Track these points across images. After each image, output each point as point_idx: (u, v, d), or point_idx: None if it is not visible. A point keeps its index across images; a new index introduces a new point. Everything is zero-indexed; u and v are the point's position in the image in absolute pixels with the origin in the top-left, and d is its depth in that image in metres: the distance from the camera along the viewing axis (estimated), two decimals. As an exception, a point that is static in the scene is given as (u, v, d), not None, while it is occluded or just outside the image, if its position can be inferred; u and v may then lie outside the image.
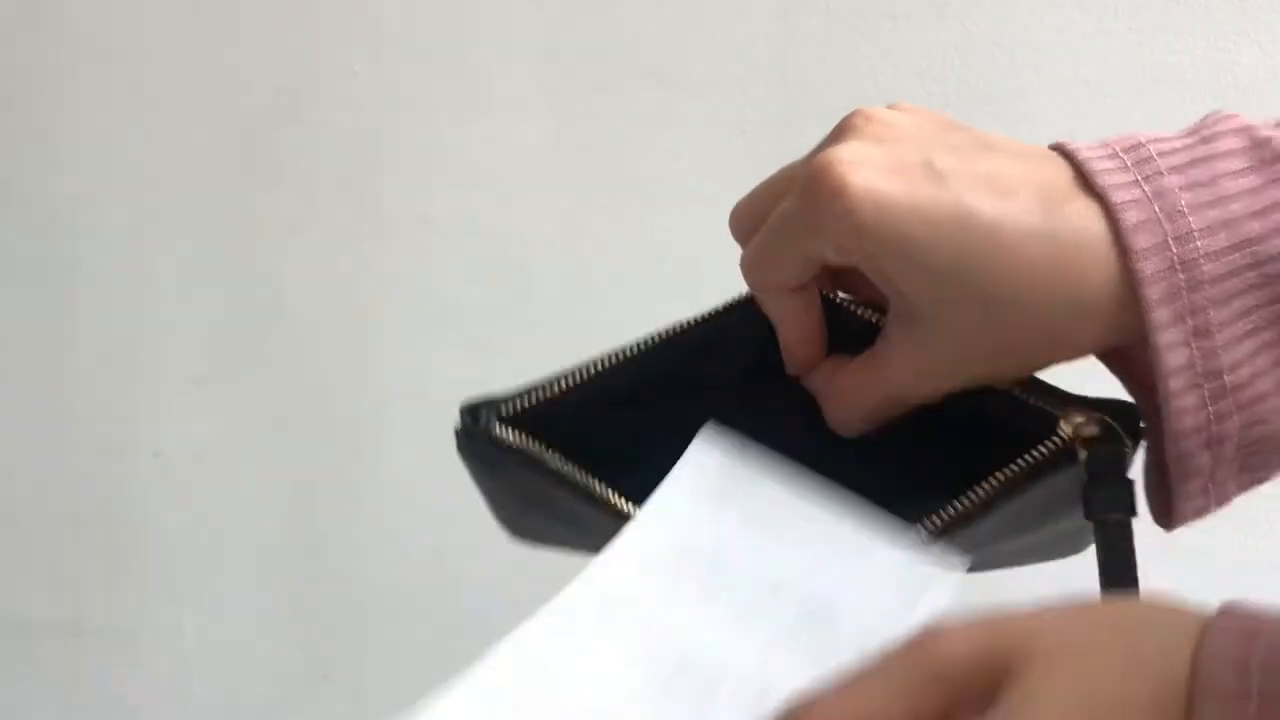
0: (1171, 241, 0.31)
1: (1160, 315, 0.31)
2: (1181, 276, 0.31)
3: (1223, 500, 0.35)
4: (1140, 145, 0.33)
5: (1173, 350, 0.31)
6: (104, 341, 1.06)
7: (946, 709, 0.27)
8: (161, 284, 1.04)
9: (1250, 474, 0.35)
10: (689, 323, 0.38)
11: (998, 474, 0.34)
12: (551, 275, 0.94)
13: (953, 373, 0.34)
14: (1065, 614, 0.27)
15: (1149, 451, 0.37)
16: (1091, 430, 0.33)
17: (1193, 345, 0.31)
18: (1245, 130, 0.33)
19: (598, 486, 0.36)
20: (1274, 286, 0.32)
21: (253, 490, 1.05)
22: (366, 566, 1.03)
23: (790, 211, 0.34)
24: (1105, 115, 0.84)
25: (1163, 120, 0.74)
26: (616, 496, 0.36)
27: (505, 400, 0.37)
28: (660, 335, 0.38)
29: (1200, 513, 0.35)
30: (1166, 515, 0.36)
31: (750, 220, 0.37)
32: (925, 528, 0.34)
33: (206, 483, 1.06)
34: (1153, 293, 0.31)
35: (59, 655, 1.14)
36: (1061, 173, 0.33)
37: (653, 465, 0.39)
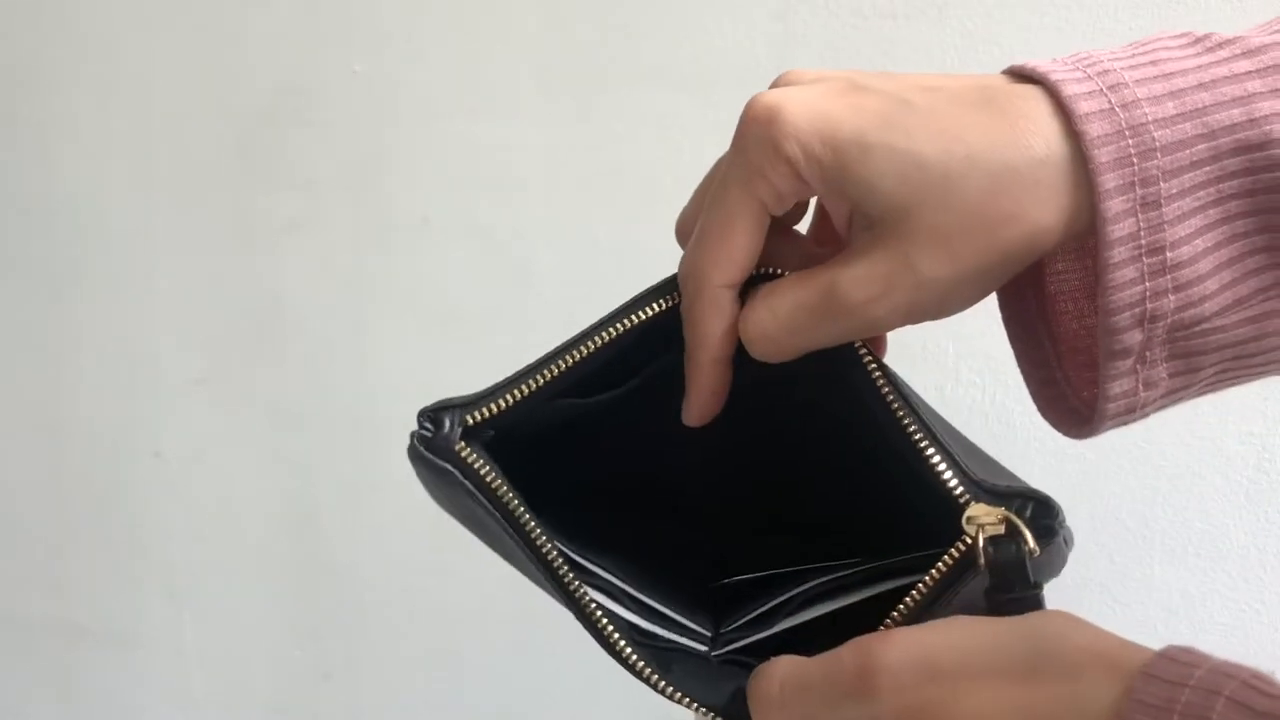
0: (1118, 109, 0.30)
1: (1108, 180, 0.30)
2: (1130, 142, 0.30)
3: (1151, 385, 0.33)
4: (1078, 53, 0.32)
5: (1119, 220, 0.30)
6: (104, 342, 1.06)
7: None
8: (161, 284, 1.04)
9: (1181, 361, 0.33)
10: (649, 310, 0.37)
11: (904, 601, 0.33)
12: (551, 275, 0.94)
13: (901, 269, 0.31)
14: (989, 677, 0.28)
15: (1057, 385, 0.37)
16: (996, 528, 0.31)
17: (1139, 216, 0.30)
18: (1184, 33, 0.32)
19: (542, 541, 0.36)
20: (1223, 162, 0.30)
21: (253, 490, 1.05)
22: (366, 566, 1.03)
23: (729, 168, 0.33)
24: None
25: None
26: (556, 556, 0.36)
27: (469, 407, 0.37)
28: (621, 323, 0.37)
29: (1127, 399, 0.33)
30: (1084, 419, 0.35)
31: (691, 215, 0.36)
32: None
33: (206, 483, 1.06)
34: (1100, 155, 0.29)
35: (59, 655, 1.14)
36: (996, 77, 0.32)
37: (596, 462, 0.41)
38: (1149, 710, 0.26)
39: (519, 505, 0.35)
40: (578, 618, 0.36)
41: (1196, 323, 0.32)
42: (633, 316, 0.37)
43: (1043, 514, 0.31)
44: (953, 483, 0.32)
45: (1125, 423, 0.35)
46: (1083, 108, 0.30)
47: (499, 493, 0.35)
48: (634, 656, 0.36)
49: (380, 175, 0.97)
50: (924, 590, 0.32)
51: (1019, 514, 0.31)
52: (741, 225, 0.33)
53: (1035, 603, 0.31)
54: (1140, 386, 0.33)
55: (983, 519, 0.31)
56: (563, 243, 0.93)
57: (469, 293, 0.96)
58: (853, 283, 0.32)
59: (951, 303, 0.32)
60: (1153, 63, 0.31)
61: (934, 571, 0.32)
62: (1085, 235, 0.32)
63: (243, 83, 0.99)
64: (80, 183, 1.04)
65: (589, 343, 0.37)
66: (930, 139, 0.30)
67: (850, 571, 0.39)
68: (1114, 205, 0.30)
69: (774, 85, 0.35)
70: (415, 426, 0.37)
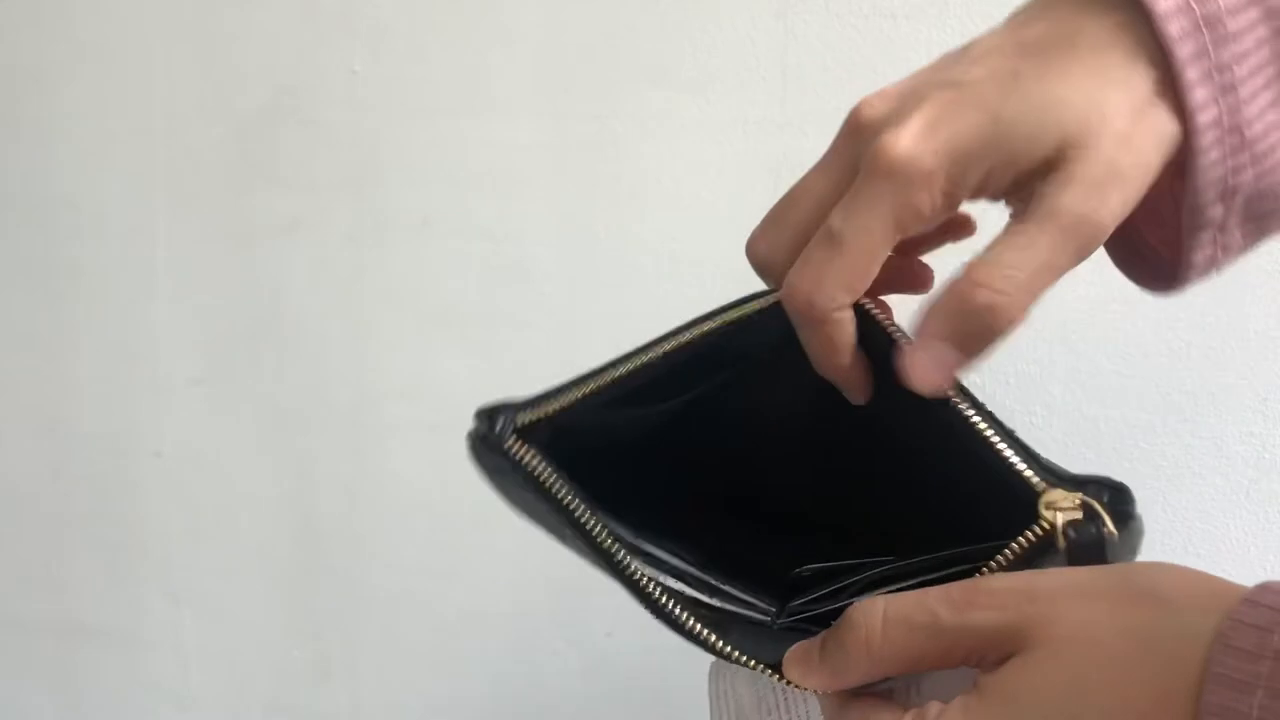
0: (1194, 3, 0.32)
1: (1191, 73, 0.32)
2: (1206, 35, 0.32)
3: (1229, 249, 0.37)
4: None
5: (1205, 108, 0.33)
6: (104, 342, 1.06)
7: (968, 658, 0.31)
8: (161, 284, 1.04)
9: (1254, 223, 0.36)
10: (710, 324, 0.38)
11: (982, 570, 0.34)
12: (551, 275, 0.94)
13: (1118, 181, 0.33)
14: (1089, 597, 0.29)
15: (1132, 239, 0.39)
16: (1074, 513, 0.32)
17: (1220, 102, 0.33)
18: None
19: (598, 530, 0.36)
20: None
21: (253, 490, 1.05)
22: (366, 566, 1.03)
23: (871, 200, 0.34)
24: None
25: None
26: (612, 544, 0.37)
27: (523, 407, 0.37)
28: (683, 335, 0.38)
29: (1207, 264, 0.37)
30: (1167, 276, 0.38)
31: (786, 243, 0.37)
32: None
33: (206, 483, 1.06)
34: (1182, 51, 0.32)
35: (59, 655, 1.14)
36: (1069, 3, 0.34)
37: (660, 470, 0.40)
38: (1250, 631, 0.26)
39: (568, 494, 0.36)
40: (632, 593, 0.37)
41: (1271, 189, 0.35)
42: (688, 334, 0.38)
43: (1119, 500, 0.32)
44: (1027, 472, 0.33)
45: (1206, 278, 0.38)
46: (1161, 6, 0.32)
47: (547, 484, 0.36)
48: (690, 619, 0.36)
49: (380, 175, 0.97)
50: (998, 568, 0.33)
51: (1096, 499, 0.32)
52: (876, 253, 0.35)
53: None
54: (1219, 252, 0.37)
55: (1061, 503, 0.32)
56: (563, 243, 0.93)
57: (469, 292, 0.96)
58: (1075, 200, 0.33)
59: (1141, 189, 0.34)
60: None
61: (1008, 551, 0.33)
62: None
63: (242, 82, 0.99)
64: (80, 183, 1.04)
65: (644, 356, 0.37)
66: (1049, 91, 0.33)
67: (920, 559, 0.39)
68: (1199, 94, 0.32)
69: (858, 114, 0.36)
70: (473, 424, 0.38)
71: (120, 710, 1.13)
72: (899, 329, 0.37)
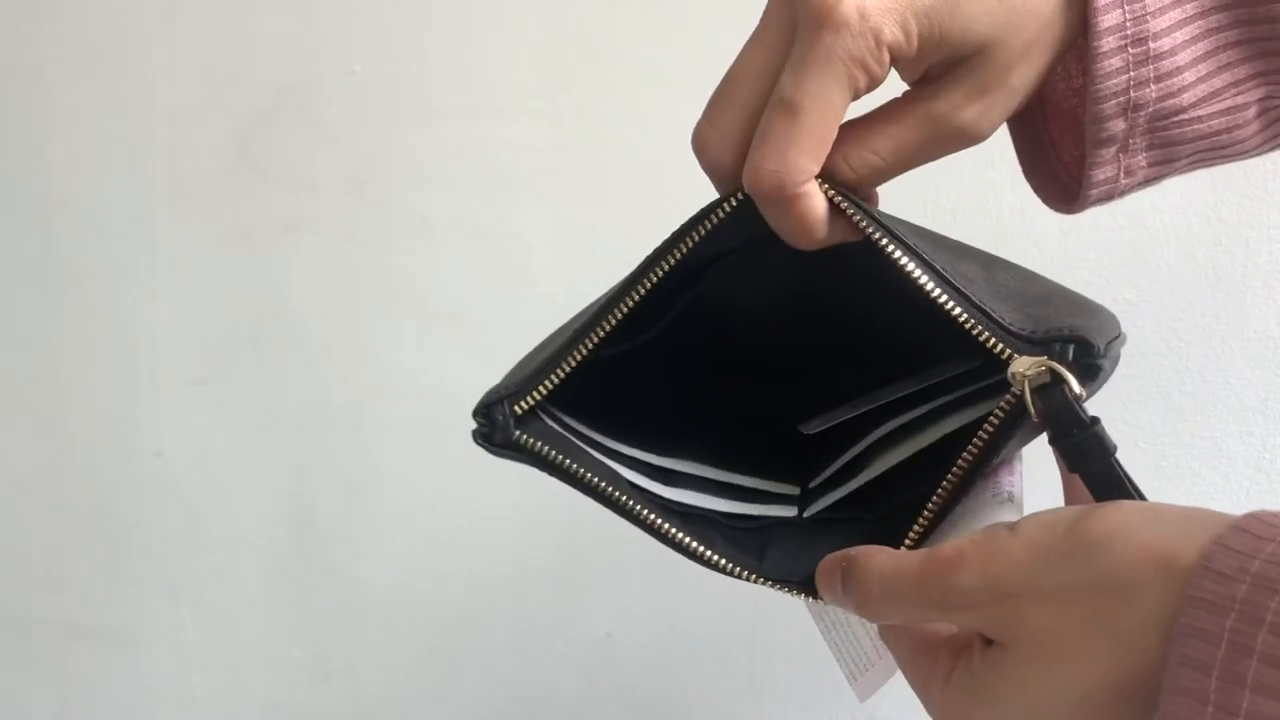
0: None
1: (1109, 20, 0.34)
2: None
3: (1131, 173, 0.37)
4: None
5: (1107, 11, 0.34)
6: (104, 342, 1.06)
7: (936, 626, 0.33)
8: (161, 284, 1.04)
9: (1159, 150, 0.37)
10: (677, 254, 0.37)
11: (961, 460, 0.35)
12: (551, 275, 0.94)
13: (998, 85, 0.35)
14: (1051, 598, 0.29)
15: (1044, 147, 0.40)
16: (1042, 378, 0.32)
17: (1125, 8, 0.34)
18: None
19: (623, 500, 0.38)
20: None
21: (253, 490, 1.05)
22: (366, 566, 1.03)
23: (816, 64, 0.33)
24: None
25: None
26: (638, 508, 0.38)
27: (516, 395, 0.38)
28: (654, 273, 0.37)
29: (1109, 184, 0.37)
30: (1071, 196, 0.39)
31: (737, 126, 0.35)
32: (912, 535, 0.36)
33: (206, 483, 1.06)
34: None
35: (59, 654, 1.14)
36: None
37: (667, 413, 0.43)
38: (1231, 555, 0.27)
39: (583, 470, 0.38)
40: (664, 543, 0.38)
41: (1175, 113, 0.35)
42: (663, 265, 0.37)
43: (1083, 353, 0.32)
44: (990, 340, 0.33)
45: (1104, 203, 0.38)
46: None
47: (563, 465, 0.37)
48: (723, 560, 0.38)
49: (380, 175, 0.97)
50: (981, 443, 0.34)
51: (1060, 359, 0.32)
52: (835, 115, 0.34)
53: (1097, 442, 0.32)
54: (1121, 174, 0.37)
55: (1026, 371, 0.32)
56: (563, 243, 0.93)
57: (469, 292, 0.96)
58: (959, 108, 0.35)
59: (1023, 99, 0.36)
60: None
61: (987, 426, 0.34)
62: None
63: (243, 82, 0.99)
64: (80, 183, 1.04)
65: (625, 300, 0.37)
66: None
67: (915, 414, 0.41)
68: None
69: None
70: (474, 424, 0.38)
71: (120, 710, 1.13)
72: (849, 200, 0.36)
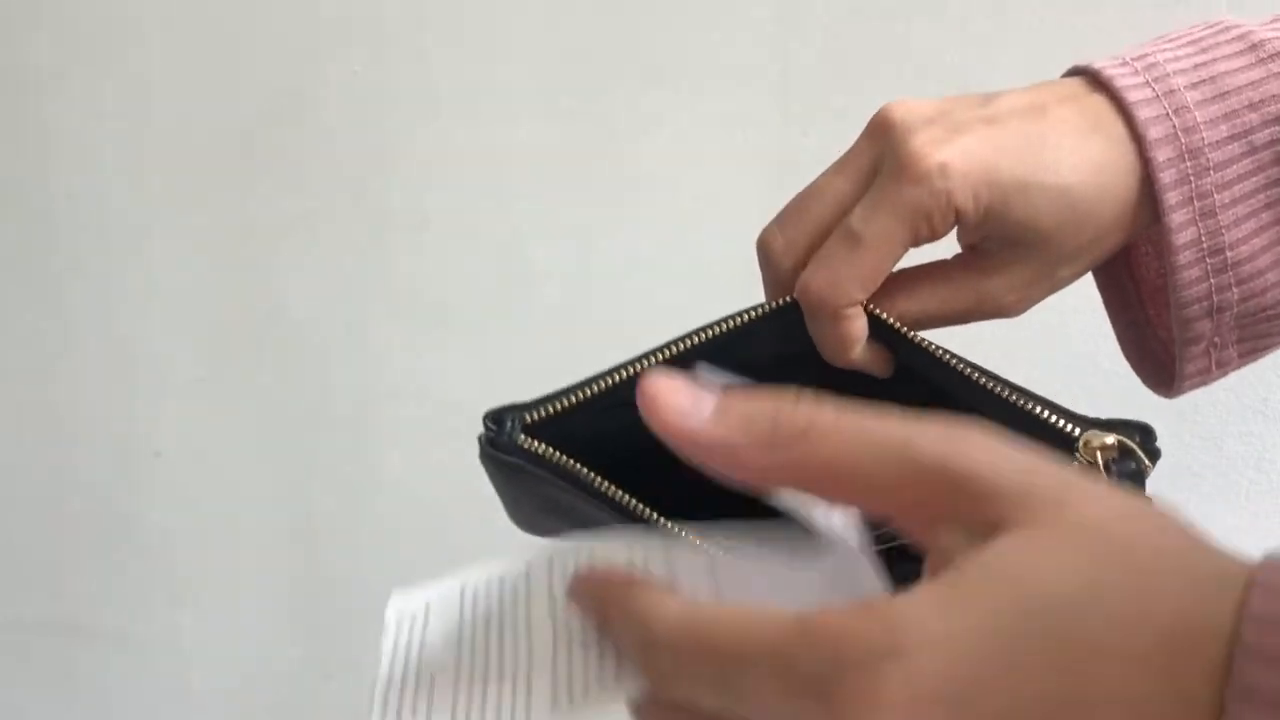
0: (1180, 134, 0.35)
1: (1172, 198, 0.35)
2: (1189, 164, 0.35)
3: (1224, 364, 0.39)
4: (1147, 55, 0.37)
5: (1183, 230, 0.36)
6: (104, 341, 1.06)
7: (937, 513, 0.24)
8: (161, 284, 1.04)
9: (1249, 343, 0.38)
10: (711, 332, 0.38)
11: None
12: (551, 275, 0.94)
13: (1043, 277, 0.37)
14: (1107, 499, 0.24)
15: (1141, 328, 0.42)
16: (1110, 452, 0.33)
17: (1199, 224, 0.36)
18: (1243, 36, 0.37)
19: (627, 499, 0.36)
20: (1267, 172, 0.36)
21: (253, 490, 1.05)
22: (366, 566, 1.03)
23: (890, 205, 0.35)
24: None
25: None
26: (645, 509, 0.36)
27: (529, 408, 0.38)
28: (683, 343, 0.38)
29: (1202, 375, 0.39)
30: (1169, 379, 0.40)
31: (804, 240, 0.38)
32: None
33: (206, 483, 1.06)
34: (1165, 178, 0.35)
35: (59, 655, 1.14)
36: (1076, 84, 0.37)
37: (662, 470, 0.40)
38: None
39: (589, 471, 0.36)
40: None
41: (1261, 310, 0.37)
42: (693, 338, 0.38)
43: (1148, 439, 0.34)
44: (1059, 421, 0.34)
45: (1201, 387, 0.40)
46: (1153, 133, 0.35)
47: (566, 465, 0.36)
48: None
49: (380, 175, 0.97)
50: None
51: (1128, 439, 0.34)
52: (894, 255, 0.36)
53: None
54: (1214, 365, 0.39)
55: (1097, 443, 0.33)
56: (563, 243, 0.93)
57: (469, 293, 0.96)
58: (1002, 290, 0.37)
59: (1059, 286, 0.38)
60: (1211, 79, 0.36)
61: None
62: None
63: (243, 83, 0.99)
64: (80, 183, 1.04)
65: (650, 358, 0.38)
66: (1074, 171, 0.35)
67: None
68: (1177, 217, 0.35)
69: (889, 119, 0.37)
70: (481, 430, 0.38)
71: (120, 710, 1.13)
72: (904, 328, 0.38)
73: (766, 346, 0.38)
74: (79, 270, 1.06)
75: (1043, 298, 0.38)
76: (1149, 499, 0.30)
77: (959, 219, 0.35)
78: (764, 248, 0.39)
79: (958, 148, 0.35)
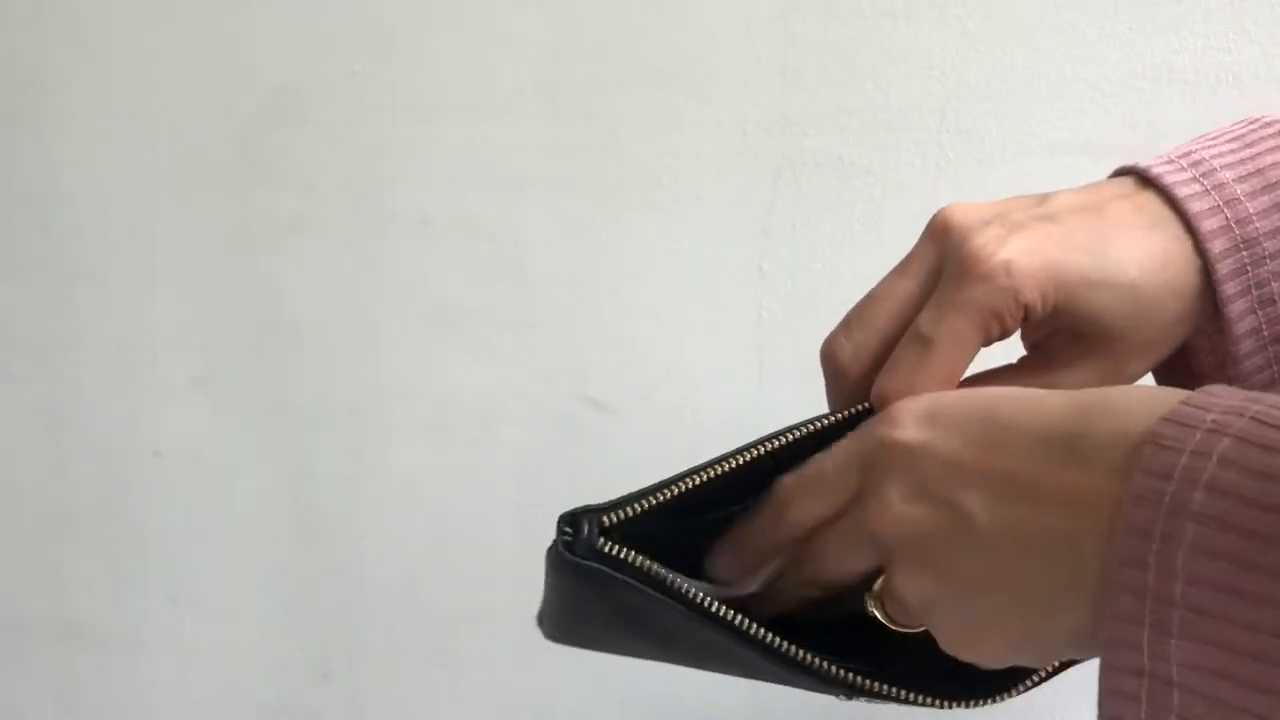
0: (1234, 225, 0.36)
1: (1230, 288, 0.36)
2: (1245, 254, 0.36)
3: None
4: (1192, 152, 0.38)
5: (1243, 319, 0.37)
6: (104, 341, 1.06)
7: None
8: (161, 284, 1.04)
9: None
10: (785, 439, 0.38)
11: None
12: (551, 275, 0.94)
13: (1112, 373, 0.38)
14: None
15: None
16: None
17: (1259, 313, 0.37)
18: None
19: (712, 604, 0.36)
20: None
21: (253, 490, 1.05)
22: (366, 566, 1.03)
23: (959, 308, 0.36)
24: (1105, 115, 0.83)
25: (1163, 120, 0.74)
26: (730, 613, 0.36)
27: (604, 511, 0.37)
28: (757, 449, 0.38)
29: None
30: None
31: (871, 346, 0.38)
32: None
33: (206, 483, 1.06)
34: (1223, 268, 0.36)
35: (59, 655, 1.14)
36: (1126, 182, 0.38)
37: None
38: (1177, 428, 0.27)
39: (675, 578, 0.36)
40: (776, 661, 0.37)
41: None
42: (767, 445, 0.38)
43: None
44: None
45: None
46: (1207, 226, 0.37)
47: (651, 571, 0.36)
48: (849, 674, 0.37)
49: (380, 175, 0.97)
50: None
51: None
52: (966, 356, 0.37)
53: None
54: None
55: None
56: (563, 243, 0.93)
57: (469, 292, 0.96)
58: (1074, 385, 0.37)
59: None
60: (1258, 172, 0.37)
61: None
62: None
63: (243, 82, 0.99)
64: (80, 183, 1.04)
65: (726, 463, 0.37)
66: (1139, 267, 0.36)
67: None
68: (1237, 307, 0.37)
69: (948, 221, 0.38)
70: (555, 536, 0.37)
71: (120, 711, 1.13)
72: None
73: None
74: (78, 270, 1.06)
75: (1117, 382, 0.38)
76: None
77: (1027, 316, 0.36)
78: (830, 357, 0.39)
79: (1020, 246, 0.36)
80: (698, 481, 0.37)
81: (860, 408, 0.38)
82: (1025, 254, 0.35)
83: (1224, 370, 0.40)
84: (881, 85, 0.85)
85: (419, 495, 1.01)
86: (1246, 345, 0.37)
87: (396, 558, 1.02)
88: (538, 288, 0.94)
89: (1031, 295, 0.35)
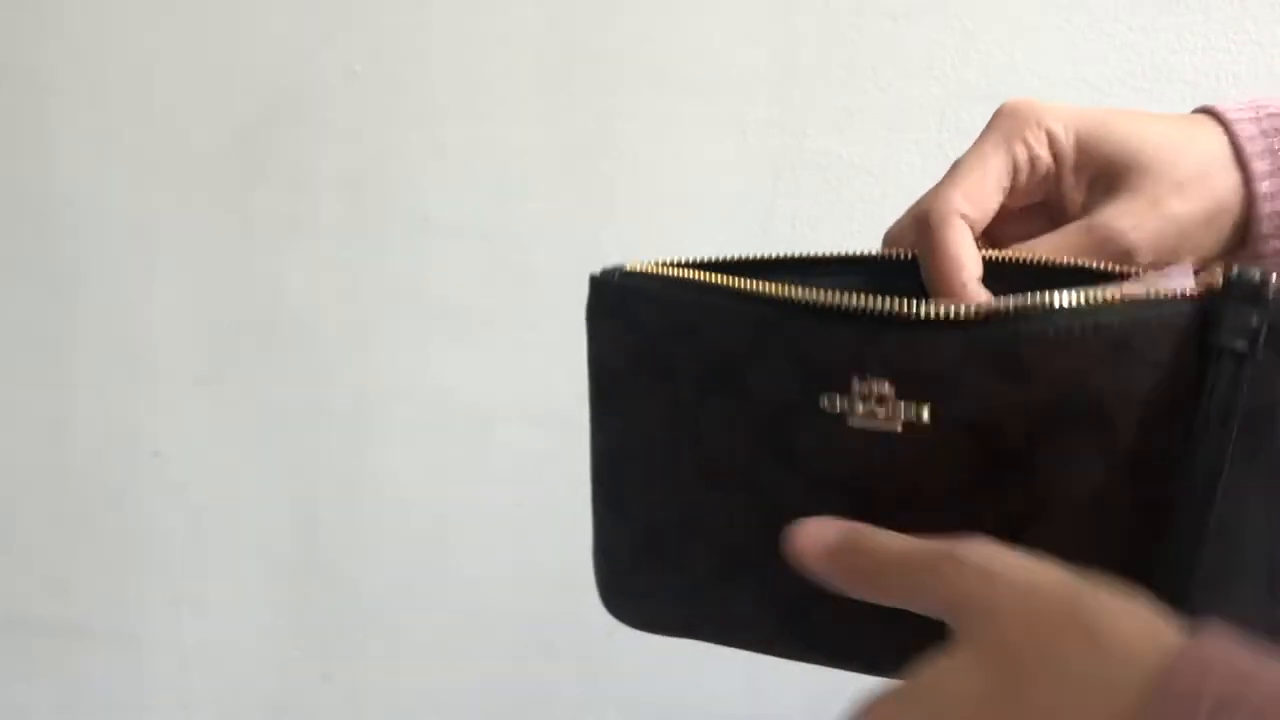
0: (1263, 118, 0.41)
1: (1260, 166, 0.40)
2: (1275, 140, 0.41)
3: None
4: (1254, 99, 0.42)
5: (1265, 179, 0.40)
6: (104, 341, 1.06)
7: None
8: (161, 284, 1.04)
9: None
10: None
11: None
12: (551, 275, 0.94)
13: (1154, 205, 0.40)
14: (1034, 607, 0.29)
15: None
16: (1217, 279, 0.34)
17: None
18: None
19: (745, 281, 0.36)
20: None
21: (253, 490, 1.05)
22: (366, 566, 1.03)
23: (987, 132, 0.41)
24: (1105, 115, 0.84)
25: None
26: (766, 285, 0.36)
27: (626, 265, 0.40)
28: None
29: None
30: None
31: (908, 222, 0.41)
32: None
33: (206, 483, 1.06)
34: (1250, 148, 0.40)
35: (59, 655, 1.14)
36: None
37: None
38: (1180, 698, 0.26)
39: (701, 273, 0.37)
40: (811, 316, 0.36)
41: None
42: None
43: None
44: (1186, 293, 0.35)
45: None
46: (1243, 131, 0.40)
47: (676, 274, 0.38)
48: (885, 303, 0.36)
49: (380, 175, 0.97)
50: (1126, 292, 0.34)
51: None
52: (993, 170, 0.40)
53: (1258, 329, 0.33)
54: None
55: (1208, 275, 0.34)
56: (563, 243, 0.93)
57: (469, 293, 0.96)
58: (1114, 216, 0.40)
59: (1186, 242, 0.41)
60: None
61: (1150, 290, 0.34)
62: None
63: (243, 83, 0.99)
64: (80, 183, 1.04)
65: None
66: (1157, 118, 0.41)
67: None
68: (1259, 165, 0.40)
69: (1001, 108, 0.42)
70: (588, 296, 0.40)
71: (120, 710, 1.13)
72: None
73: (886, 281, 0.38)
74: (79, 270, 1.06)
75: (1155, 231, 0.40)
76: (1080, 594, 0.30)
77: (1054, 147, 0.40)
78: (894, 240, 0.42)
79: (1047, 104, 0.41)
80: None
81: (901, 253, 0.40)
82: (1050, 104, 0.41)
83: (1246, 249, 0.43)
84: (881, 85, 0.85)
85: (419, 495, 1.01)
86: (1269, 205, 0.40)
87: (396, 557, 1.02)
88: (538, 288, 0.94)
89: (1054, 124, 0.40)
